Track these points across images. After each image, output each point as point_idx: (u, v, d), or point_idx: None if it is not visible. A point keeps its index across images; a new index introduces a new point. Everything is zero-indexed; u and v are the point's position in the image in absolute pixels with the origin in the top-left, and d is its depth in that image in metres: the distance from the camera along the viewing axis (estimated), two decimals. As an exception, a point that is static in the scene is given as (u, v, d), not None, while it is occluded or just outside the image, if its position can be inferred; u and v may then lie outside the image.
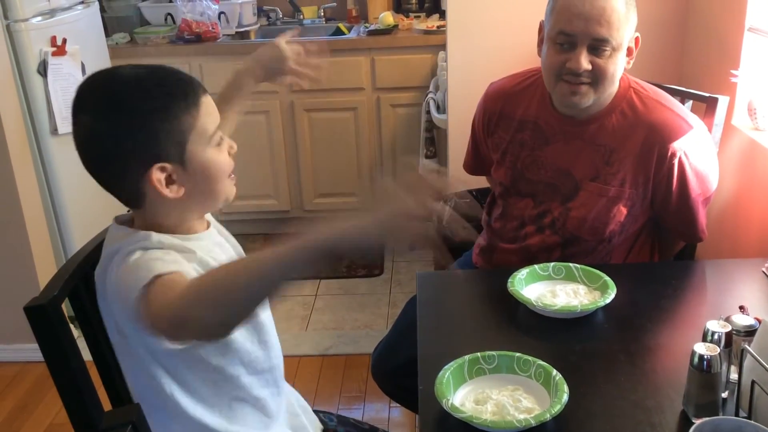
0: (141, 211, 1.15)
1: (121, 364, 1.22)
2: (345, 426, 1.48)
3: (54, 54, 2.71)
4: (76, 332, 1.18)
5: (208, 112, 1.13)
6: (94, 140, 1.10)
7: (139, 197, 1.12)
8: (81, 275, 1.23)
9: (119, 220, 1.19)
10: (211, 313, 0.93)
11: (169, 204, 1.12)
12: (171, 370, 1.15)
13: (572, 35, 1.56)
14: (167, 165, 1.10)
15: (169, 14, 3.71)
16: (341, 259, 0.80)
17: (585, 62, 1.57)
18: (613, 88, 1.64)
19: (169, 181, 1.11)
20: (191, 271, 1.08)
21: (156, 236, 1.11)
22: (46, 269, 2.71)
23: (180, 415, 1.17)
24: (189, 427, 1.18)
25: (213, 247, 1.21)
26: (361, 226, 0.88)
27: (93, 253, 1.25)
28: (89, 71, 2.85)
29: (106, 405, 1.20)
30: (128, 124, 1.08)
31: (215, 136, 1.14)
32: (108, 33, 3.43)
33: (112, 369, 1.25)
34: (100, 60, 3.10)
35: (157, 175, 1.09)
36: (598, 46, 1.56)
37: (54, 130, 2.73)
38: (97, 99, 1.11)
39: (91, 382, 1.12)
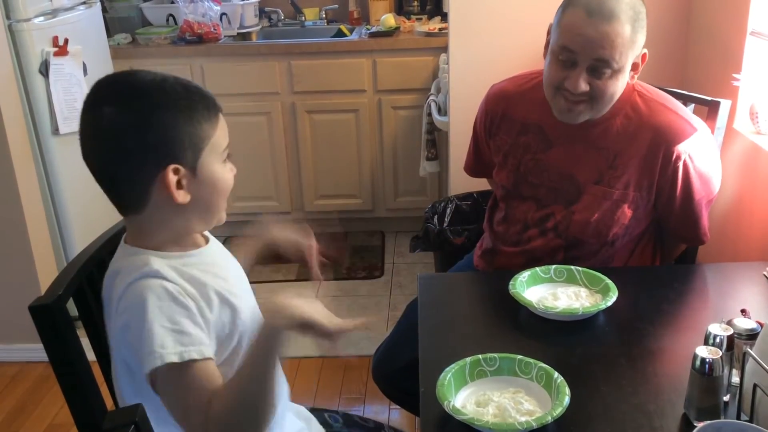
0: (138, 217, 1.13)
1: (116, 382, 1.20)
2: (350, 427, 1.48)
3: (56, 54, 2.70)
4: (79, 332, 1.17)
5: (223, 128, 1.16)
6: (115, 132, 1.08)
7: (143, 200, 1.11)
8: (85, 275, 1.23)
9: (125, 240, 1.18)
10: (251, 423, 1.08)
11: (171, 211, 1.12)
12: None
13: (574, 52, 1.56)
14: (181, 168, 1.10)
15: (171, 15, 3.71)
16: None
17: (583, 84, 1.56)
18: (612, 103, 1.63)
19: (179, 186, 1.11)
20: (204, 335, 1.10)
21: (156, 263, 1.10)
22: (46, 270, 2.71)
23: None
24: None
25: (217, 259, 1.21)
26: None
27: (97, 253, 1.25)
28: (91, 72, 2.87)
29: (109, 404, 1.19)
30: (154, 117, 1.08)
31: (225, 153, 1.17)
32: (110, 33, 3.43)
33: (116, 369, 1.24)
34: (101, 60, 3.10)
35: (171, 177, 1.09)
36: (598, 67, 1.55)
37: (55, 130, 2.73)
38: (120, 92, 1.11)
39: (95, 382, 1.12)
